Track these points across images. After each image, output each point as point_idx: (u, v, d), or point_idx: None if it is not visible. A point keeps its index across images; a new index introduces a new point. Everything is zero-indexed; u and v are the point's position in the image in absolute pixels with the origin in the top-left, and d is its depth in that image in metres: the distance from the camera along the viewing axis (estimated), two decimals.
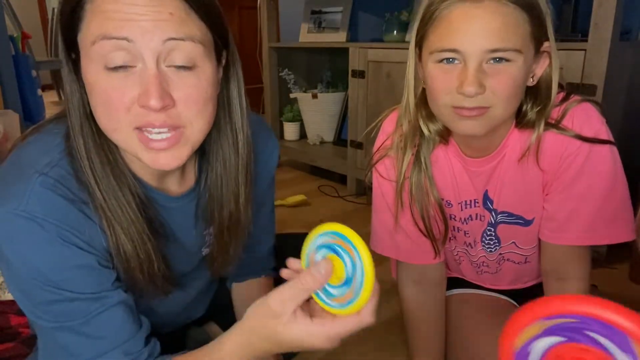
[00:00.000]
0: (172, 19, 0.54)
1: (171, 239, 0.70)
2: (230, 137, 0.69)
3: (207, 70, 0.59)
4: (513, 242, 0.88)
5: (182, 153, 0.59)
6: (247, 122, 0.70)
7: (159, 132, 0.57)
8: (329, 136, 2.44)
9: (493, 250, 0.90)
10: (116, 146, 0.63)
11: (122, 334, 0.63)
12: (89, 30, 0.55)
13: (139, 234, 0.63)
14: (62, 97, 0.66)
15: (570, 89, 0.77)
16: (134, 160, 0.65)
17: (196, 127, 0.59)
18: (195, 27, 0.57)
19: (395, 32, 2.03)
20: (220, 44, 0.62)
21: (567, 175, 0.74)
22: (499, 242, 0.88)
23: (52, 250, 0.58)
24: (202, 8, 0.57)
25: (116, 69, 0.55)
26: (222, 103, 0.68)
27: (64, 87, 0.62)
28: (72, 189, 0.60)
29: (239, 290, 0.93)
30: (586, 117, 0.73)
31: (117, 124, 0.57)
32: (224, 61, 0.66)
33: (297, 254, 0.59)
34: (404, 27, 2.02)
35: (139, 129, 0.57)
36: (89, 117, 0.61)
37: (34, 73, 2.31)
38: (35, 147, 0.63)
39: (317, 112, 2.39)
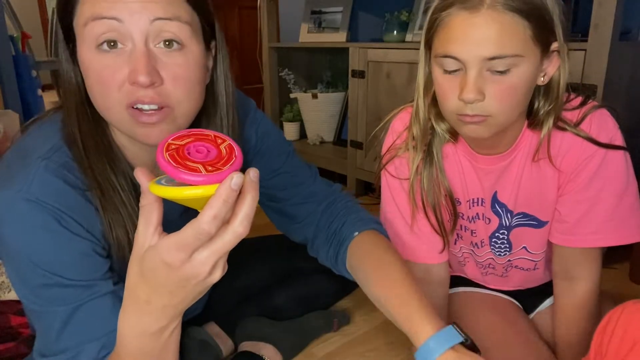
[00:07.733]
0: (159, 1, 0.57)
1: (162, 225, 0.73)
2: (219, 127, 0.71)
3: (194, 51, 0.61)
4: (524, 247, 0.88)
5: (170, 130, 0.61)
6: (234, 113, 0.72)
7: (149, 108, 0.59)
8: (329, 136, 2.43)
9: (502, 254, 0.90)
10: (110, 133, 0.66)
11: (107, 326, 0.63)
12: (82, 13, 0.58)
13: (129, 216, 0.64)
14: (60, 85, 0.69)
15: (587, 94, 0.79)
16: (127, 147, 0.67)
17: (184, 108, 0.61)
18: (182, 9, 0.59)
19: (395, 32, 2.02)
20: (208, 30, 0.65)
21: (582, 178, 0.76)
22: (509, 247, 0.89)
23: (49, 234, 0.59)
24: None
25: (107, 49, 0.57)
26: (210, 93, 0.69)
27: (61, 73, 0.64)
28: (75, 174, 0.62)
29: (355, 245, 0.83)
30: (603, 123, 0.75)
31: (110, 103, 0.59)
32: (213, 51, 0.68)
33: (297, 253, 0.57)
34: (404, 27, 2.02)
35: (130, 107, 0.59)
36: (85, 102, 0.63)
37: (34, 73, 2.30)
38: (37, 135, 0.65)
39: (317, 112, 2.39)
